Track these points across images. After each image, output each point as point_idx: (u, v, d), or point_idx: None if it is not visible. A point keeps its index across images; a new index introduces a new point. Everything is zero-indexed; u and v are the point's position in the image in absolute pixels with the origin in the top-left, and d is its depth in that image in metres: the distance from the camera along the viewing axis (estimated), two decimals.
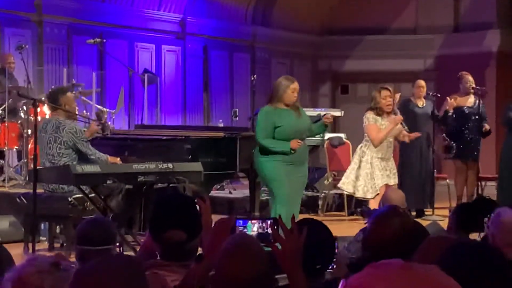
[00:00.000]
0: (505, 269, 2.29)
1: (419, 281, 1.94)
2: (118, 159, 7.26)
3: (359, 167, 8.57)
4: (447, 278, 1.99)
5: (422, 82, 10.10)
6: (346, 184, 8.72)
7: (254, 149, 7.25)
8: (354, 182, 8.63)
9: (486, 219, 4.29)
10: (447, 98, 9.85)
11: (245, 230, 3.33)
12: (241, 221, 3.36)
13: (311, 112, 9.47)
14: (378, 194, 8.27)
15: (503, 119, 9.45)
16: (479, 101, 9.86)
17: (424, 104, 9.92)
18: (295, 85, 7.12)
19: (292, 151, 6.98)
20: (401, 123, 8.50)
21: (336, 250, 3.70)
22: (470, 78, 9.95)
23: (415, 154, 9.61)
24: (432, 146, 10.01)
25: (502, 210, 4.30)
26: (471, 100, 9.93)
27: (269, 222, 3.37)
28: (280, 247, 2.68)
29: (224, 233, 2.79)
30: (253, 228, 3.35)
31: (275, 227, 2.75)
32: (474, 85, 9.91)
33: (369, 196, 8.54)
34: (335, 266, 3.67)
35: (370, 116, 8.44)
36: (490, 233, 4.16)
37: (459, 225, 4.50)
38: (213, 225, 2.97)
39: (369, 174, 8.50)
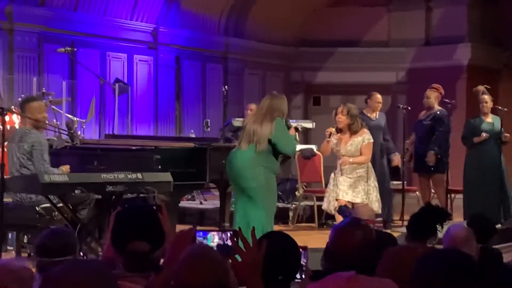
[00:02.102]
0: (475, 272, 2.33)
1: None
2: (68, 166, 7.18)
3: None
4: None
5: (380, 98, 10.10)
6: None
7: (244, 158, 7.13)
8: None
9: (438, 225, 4.40)
10: None
11: (205, 241, 3.32)
12: (201, 233, 3.35)
13: None
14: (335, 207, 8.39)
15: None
16: (438, 114, 9.92)
17: (377, 116, 9.98)
18: None
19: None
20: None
21: (306, 260, 3.68)
22: (429, 93, 10.04)
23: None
24: (402, 158, 10.09)
25: (452, 226, 4.44)
26: (429, 113, 10.01)
27: (229, 234, 3.35)
28: (239, 259, 2.68)
29: (185, 244, 2.77)
30: (214, 239, 3.34)
31: (235, 239, 2.74)
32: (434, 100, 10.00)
33: (330, 209, 8.71)
34: (303, 277, 3.67)
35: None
36: (443, 246, 4.25)
37: (413, 235, 4.56)
38: (173, 237, 2.95)
39: (330, 190, 8.69)
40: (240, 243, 2.73)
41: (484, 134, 9.52)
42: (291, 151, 7.40)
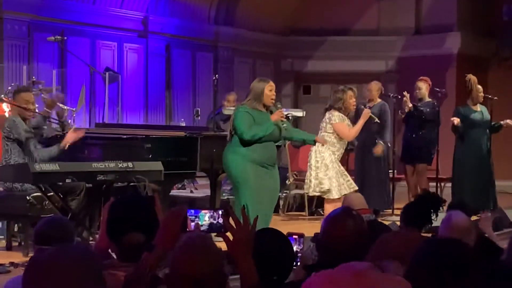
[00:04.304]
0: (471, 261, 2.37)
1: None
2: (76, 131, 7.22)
3: (327, 168, 8.36)
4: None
5: (369, 88, 9.97)
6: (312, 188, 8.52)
7: (224, 148, 7.18)
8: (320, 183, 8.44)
9: (433, 213, 4.34)
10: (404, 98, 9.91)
11: (197, 220, 3.34)
12: (192, 211, 3.37)
13: None
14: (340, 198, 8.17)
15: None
16: (430, 103, 9.93)
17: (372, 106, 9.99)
18: (272, 84, 7.18)
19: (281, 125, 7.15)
20: (371, 115, 8.58)
21: (301, 247, 3.69)
22: (420, 84, 10.03)
23: (367, 155, 9.63)
24: (393, 147, 10.12)
25: (453, 213, 4.35)
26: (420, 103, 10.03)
27: (220, 212, 3.38)
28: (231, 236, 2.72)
29: (176, 223, 2.79)
30: (205, 218, 3.36)
31: (226, 217, 2.77)
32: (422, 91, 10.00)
33: (344, 192, 8.21)
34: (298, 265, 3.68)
35: (337, 114, 8.39)
36: (439, 234, 4.21)
37: (407, 223, 4.52)
38: (165, 215, 2.97)
39: (339, 172, 8.32)
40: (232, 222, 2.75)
41: (456, 121, 9.56)
42: (246, 136, 6.94)
